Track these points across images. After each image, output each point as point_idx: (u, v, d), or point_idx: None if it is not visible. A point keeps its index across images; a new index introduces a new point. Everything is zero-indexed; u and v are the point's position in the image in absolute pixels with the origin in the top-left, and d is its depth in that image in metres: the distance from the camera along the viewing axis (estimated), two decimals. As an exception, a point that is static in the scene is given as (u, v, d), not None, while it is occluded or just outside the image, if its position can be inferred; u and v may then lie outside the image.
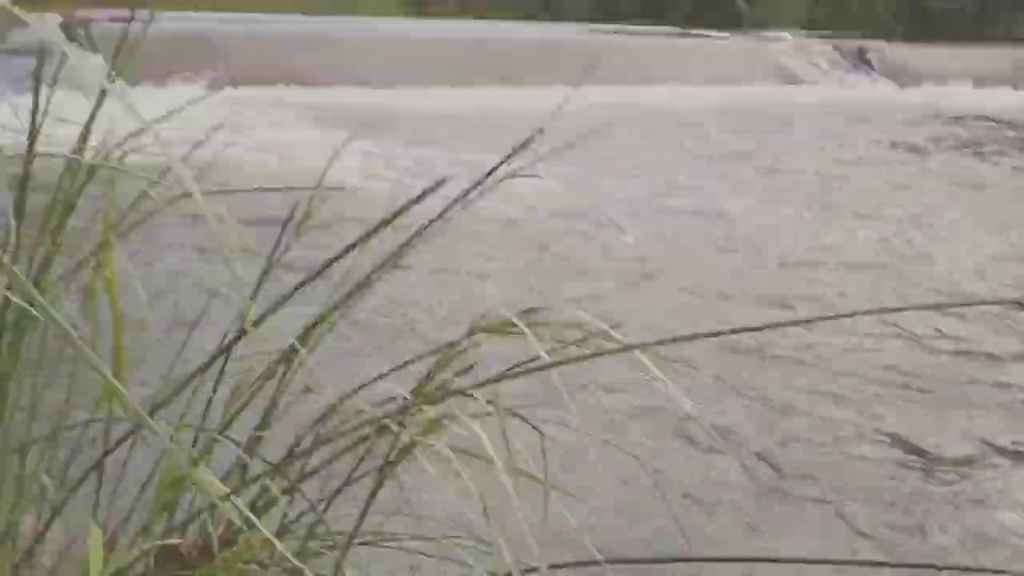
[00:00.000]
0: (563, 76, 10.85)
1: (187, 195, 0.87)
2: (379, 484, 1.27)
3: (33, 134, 1.11)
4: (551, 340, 1.11)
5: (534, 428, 1.21)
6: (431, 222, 1.23)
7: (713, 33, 14.38)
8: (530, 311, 1.14)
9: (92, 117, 1.19)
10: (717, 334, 0.96)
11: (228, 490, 1.16)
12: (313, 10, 14.33)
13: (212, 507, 1.21)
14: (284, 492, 1.27)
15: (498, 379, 1.10)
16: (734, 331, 0.95)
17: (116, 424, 1.35)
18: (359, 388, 1.31)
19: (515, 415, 1.14)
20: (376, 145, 7.38)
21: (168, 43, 7.79)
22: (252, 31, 10.12)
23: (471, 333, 1.20)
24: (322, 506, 1.36)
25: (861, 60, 14.03)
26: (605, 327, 1.06)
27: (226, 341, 1.28)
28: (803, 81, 13.19)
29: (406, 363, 1.30)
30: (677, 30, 14.72)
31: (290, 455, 1.27)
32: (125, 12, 1.44)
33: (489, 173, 1.09)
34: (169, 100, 1.41)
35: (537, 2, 24.98)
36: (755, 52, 13.55)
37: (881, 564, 2.26)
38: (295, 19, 13.13)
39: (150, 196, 1.22)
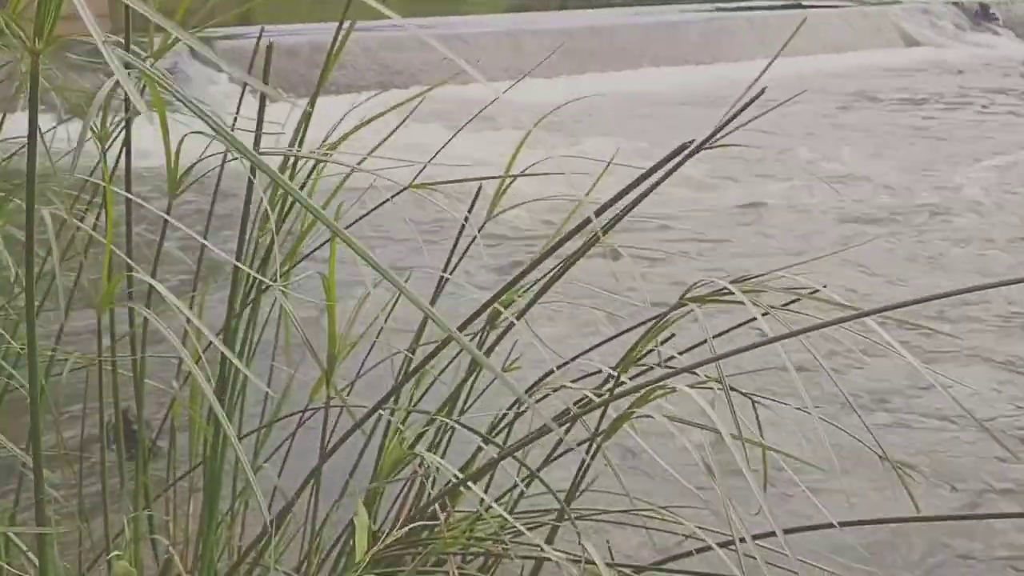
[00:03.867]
0: (686, 57, 10.73)
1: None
2: (592, 454, 1.29)
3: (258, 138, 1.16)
4: (767, 308, 1.09)
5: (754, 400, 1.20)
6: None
7: (831, 3, 13.96)
8: (743, 278, 1.13)
9: (307, 118, 1.24)
10: (950, 294, 0.93)
11: (452, 469, 1.20)
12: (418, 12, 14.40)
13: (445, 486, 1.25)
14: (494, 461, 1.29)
15: (721, 356, 1.04)
16: (969, 289, 0.91)
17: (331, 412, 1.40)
18: (565, 364, 1.33)
19: (734, 390, 1.09)
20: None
21: (287, 54, 7.91)
22: (364, 37, 10.19)
23: (680, 303, 1.19)
24: (523, 485, 1.38)
25: (985, 16, 13.44)
26: (832, 294, 1.03)
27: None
28: (925, 44, 12.73)
29: (612, 336, 1.31)
30: (794, 2, 14.33)
31: (500, 426, 1.29)
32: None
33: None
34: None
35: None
36: (873, 18, 13.13)
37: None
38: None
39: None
